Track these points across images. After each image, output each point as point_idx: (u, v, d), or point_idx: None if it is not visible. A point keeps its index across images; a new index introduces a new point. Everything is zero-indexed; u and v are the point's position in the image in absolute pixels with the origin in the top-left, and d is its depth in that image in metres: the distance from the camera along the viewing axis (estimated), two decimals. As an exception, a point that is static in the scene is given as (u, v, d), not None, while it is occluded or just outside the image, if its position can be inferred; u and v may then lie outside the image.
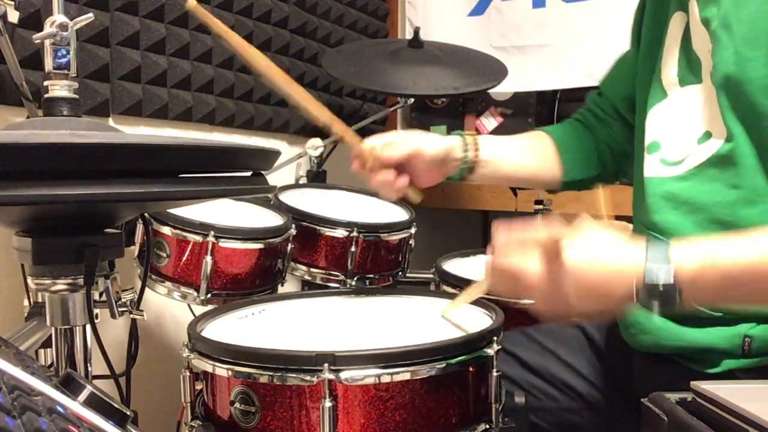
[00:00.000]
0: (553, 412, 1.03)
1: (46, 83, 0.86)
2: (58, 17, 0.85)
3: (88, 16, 0.89)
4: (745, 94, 0.80)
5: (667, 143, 0.92)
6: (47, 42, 0.84)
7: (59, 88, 0.85)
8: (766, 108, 0.79)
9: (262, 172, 0.80)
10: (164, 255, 1.21)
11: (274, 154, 0.79)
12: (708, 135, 0.86)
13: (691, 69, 0.90)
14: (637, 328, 0.93)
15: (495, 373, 0.84)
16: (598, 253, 0.74)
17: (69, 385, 0.55)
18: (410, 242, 1.53)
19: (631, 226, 0.99)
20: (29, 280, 0.81)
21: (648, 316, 0.90)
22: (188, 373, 0.86)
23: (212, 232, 1.19)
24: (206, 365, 0.82)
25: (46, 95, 0.86)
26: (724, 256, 0.71)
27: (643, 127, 0.96)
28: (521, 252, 0.77)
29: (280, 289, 1.35)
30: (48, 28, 0.84)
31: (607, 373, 1.01)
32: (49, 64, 0.85)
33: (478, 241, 2.89)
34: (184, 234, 1.20)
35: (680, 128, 0.90)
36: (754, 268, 0.70)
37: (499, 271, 0.80)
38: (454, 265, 1.46)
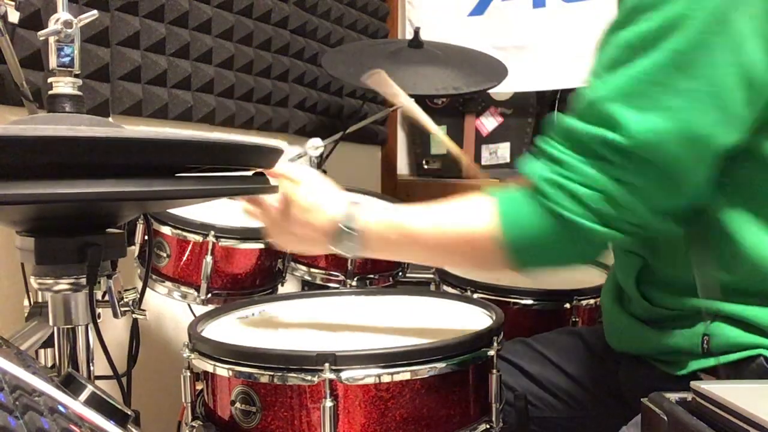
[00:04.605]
0: (554, 421, 1.03)
1: (49, 80, 0.85)
2: (63, 14, 0.84)
3: (92, 13, 0.88)
4: None
5: None
6: (51, 39, 0.84)
7: (63, 85, 0.85)
8: None
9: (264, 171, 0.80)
10: (164, 255, 1.21)
11: (277, 151, 0.79)
12: None
13: None
14: (614, 328, 0.95)
15: (495, 373, 0.84)
16: (309, 196, 0.91)
17: (70, 385, 0.55)
18: (410, 242, 1.52)
19: None
20: (31, 279, 0.81)
21: (620, 317, 0.93)
22: (189, 373, 0.86)
23: (212, 232, 1.19)
24: (207, 365, 0.82)
25: (49, 92, 0.85)
26: (383, 218, 0.87)
27: None
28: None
29: (280, 289, 1.35)
30: (52, 25, 0.84)
31: (605, 380, 1.02)
32: (53, 61, 0.84)
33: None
34: (185, 234, 1.20)
35: None
36: (400, 229, 0.85)
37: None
38: (454, 265, 1.46)
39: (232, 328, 0.96)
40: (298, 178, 0.92)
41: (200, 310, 1.11)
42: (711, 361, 0.83)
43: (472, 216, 0.82)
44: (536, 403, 1.03)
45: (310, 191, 0.91)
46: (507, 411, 0.89)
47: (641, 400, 0.61)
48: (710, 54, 0.69)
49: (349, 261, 1.39)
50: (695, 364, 0.84)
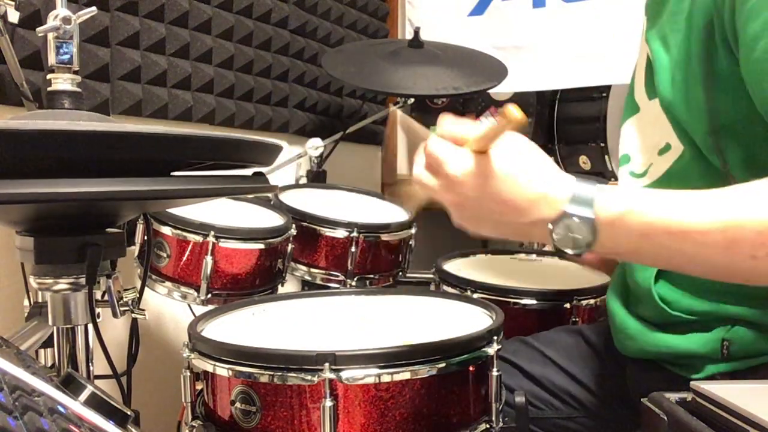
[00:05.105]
0: (554, 421, 1.03)
1: (48, 77, 0.85)
2: (61, 11, 0.84)
3: (91, 10, 0.88)
4: (680, 114, 0.81)
5: (634, 155, 0.92)
6: (50, 36, 0.84)
7: (62, 82, 0.85)
8: (697, 126, 0.79)
9: (264, 169, 0.80)
10: (164, 255, 1.21)
11: (276, 148, 0.79)
12: (668, 147, 0.85)
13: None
14: (624, 334, 0.93)
15: (495, 373, 0.84)
16: (527, 170, 0.67)
17: (70, 385, 0.55)
18: (410, 242, 1.53)
19: None
20: (31, 279, 0.81)
21: (629, 322, 0.92)
22: (189, 373, 0.86)
23: (212, 232, 1.19)
24: (207, 365, 0.82)
25: (48, 88, 0.85)
26: (647, 209, 0.65)
27: (618, 140, 0.96)
28: (454, 145, 0.69)
29: (280, 290, 1.35)
30: (51, 22, 0.84)
31: (607, 381, 1.01)
32: (52, 58, 0.84)
33: (478, 241, 2.88)
34: (185, 234, 1.20)
35: (646, 140, 0.90)
36: (673, 226, 0.65)
37: (428, 154, 0.70)
38: (454, 265, 1.46)
39: (231, 328, 0.96)
40: (491, 137, 0.66)
41: (200, 310, 1.11)
42: (730, 366, 0.82)
43: None
44: (536, 403, 1.03)
45: (512, 156, 0.67)
46: (507, 411, 0.88)
47: (641, 400, 0.61)
48: None
49: (349, 261, 1.39)
50: (713, 368, 0.83)
